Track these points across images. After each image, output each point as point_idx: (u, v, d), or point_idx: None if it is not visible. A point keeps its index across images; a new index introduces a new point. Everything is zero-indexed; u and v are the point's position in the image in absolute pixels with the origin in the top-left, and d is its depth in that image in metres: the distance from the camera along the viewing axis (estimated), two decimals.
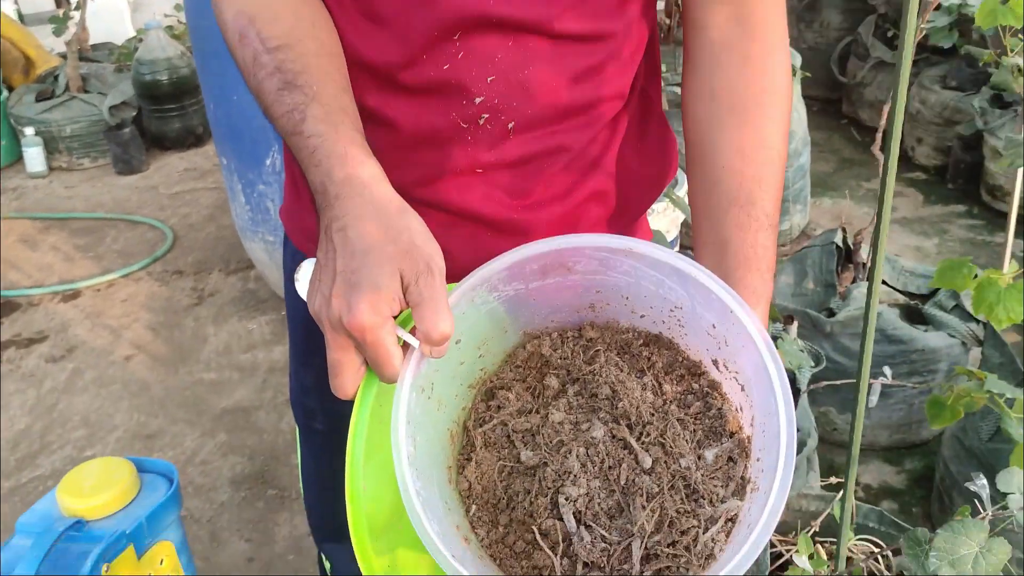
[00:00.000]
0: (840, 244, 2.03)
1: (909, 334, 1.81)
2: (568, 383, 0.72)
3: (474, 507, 0.66)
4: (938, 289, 1.92)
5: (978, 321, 1.81)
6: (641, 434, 0.67)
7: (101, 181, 3.65)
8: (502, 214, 0.79)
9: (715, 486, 0.64)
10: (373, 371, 0.60)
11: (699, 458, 0.66)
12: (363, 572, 0.61)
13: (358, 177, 0.63)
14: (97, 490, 1.18)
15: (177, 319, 2.67)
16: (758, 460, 0.62)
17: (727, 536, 0.62)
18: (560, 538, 0.63)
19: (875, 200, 0.82)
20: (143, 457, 1.31)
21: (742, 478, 0.64)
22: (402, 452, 0.58)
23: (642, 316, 0.71)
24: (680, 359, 0.71)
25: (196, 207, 3.37)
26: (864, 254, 1.98)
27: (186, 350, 2.52)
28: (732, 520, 0.62)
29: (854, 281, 2.00)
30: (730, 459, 0.66)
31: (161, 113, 3.83)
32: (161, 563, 1.25)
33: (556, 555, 0.63)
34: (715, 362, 0.68)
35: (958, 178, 3.13)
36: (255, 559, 1.81)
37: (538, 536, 0.63)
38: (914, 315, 1.94)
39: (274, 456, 2.10)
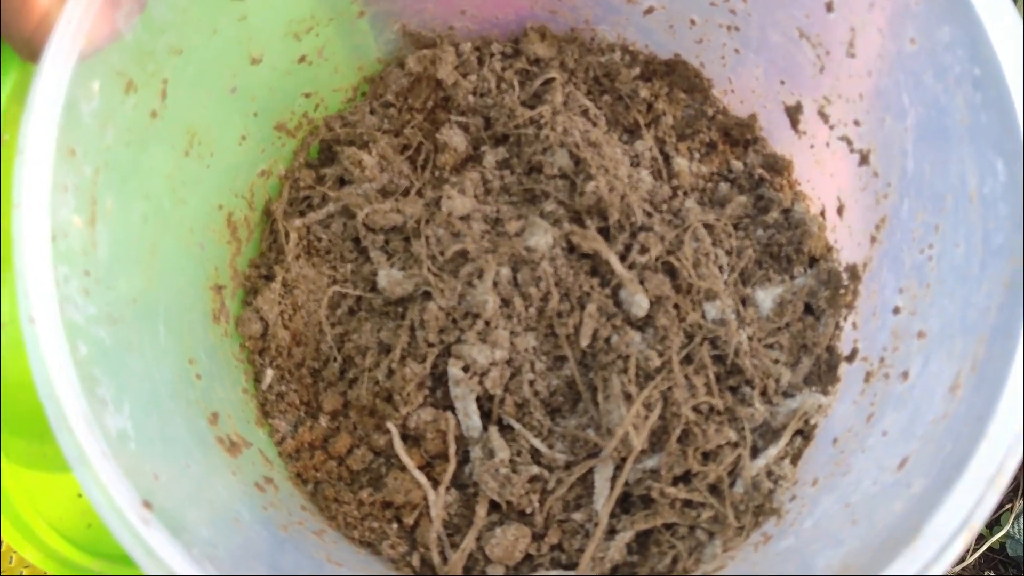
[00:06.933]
0: None
1: None
2: (486, 142, 0.38)
3: (271, 372, 0.32)
4: None
5: None
6: (628, 248, 0.34)
7: None
8: None
9: (774, 360, 0.32)
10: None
11: (743, 302, 0.33)
12: None
13: None
14: None
15: None
16: (895, 314, 0.30)
17: (794, 465, 0.30)
18: (446, 448, 0.30)
19: None
20: None
21: (828, 349, 0.32)
22: (24, 191, 0.23)
23: (648, 10, 0.37)
24: (712, 112, 0.38)
25: None
26: None
27: None
28: (805, 434, 0.31)
29: None
30: (808, 310, 0.33)
31: None
32: None
33: (433, 483, 0.30)
34: (793, 109, 0.35)
35: None
36: None
37: (396, 441, 0.30)
38: None
39: None
